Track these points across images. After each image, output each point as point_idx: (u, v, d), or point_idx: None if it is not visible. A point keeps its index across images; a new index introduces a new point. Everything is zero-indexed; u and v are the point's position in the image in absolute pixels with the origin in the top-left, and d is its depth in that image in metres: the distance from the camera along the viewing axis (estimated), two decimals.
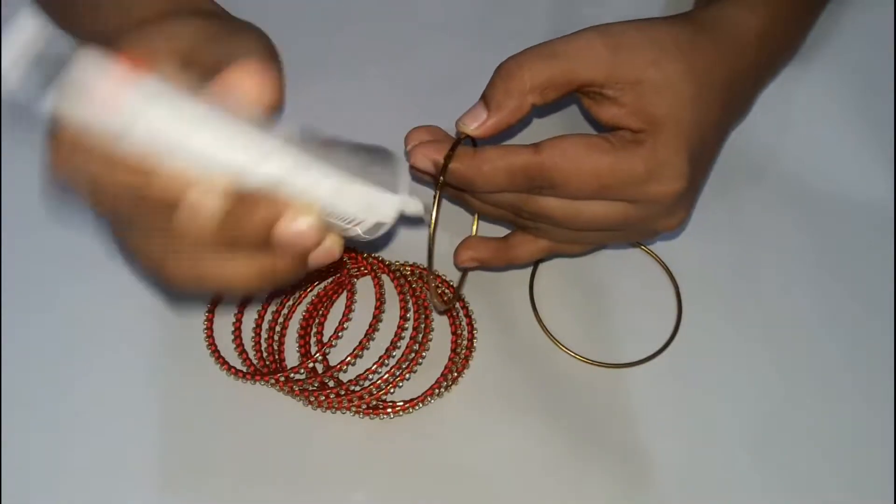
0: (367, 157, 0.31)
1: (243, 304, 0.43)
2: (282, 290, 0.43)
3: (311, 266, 0.31)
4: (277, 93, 0.28)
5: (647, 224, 0.38)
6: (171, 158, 0.26)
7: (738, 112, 0.42)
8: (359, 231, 0.32)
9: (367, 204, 0.31)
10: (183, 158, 0.26)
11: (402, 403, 0.40)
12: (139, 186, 0.27)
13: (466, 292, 0.43)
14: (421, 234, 0.44)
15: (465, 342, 0.42)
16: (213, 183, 0.27)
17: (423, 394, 0.40)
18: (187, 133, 0.26)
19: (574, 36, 0.37)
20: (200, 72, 0.29)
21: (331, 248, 0.31)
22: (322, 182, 0.28)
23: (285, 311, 0.43)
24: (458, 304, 0.43)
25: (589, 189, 0.36)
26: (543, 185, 0.36)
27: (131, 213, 0.28)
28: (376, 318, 0.41)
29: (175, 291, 0.29)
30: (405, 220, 0.33)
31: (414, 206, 0.33)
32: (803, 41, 0.47)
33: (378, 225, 0.32)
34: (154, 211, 0.27)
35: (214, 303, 0.42)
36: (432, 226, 0.36)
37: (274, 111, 0.28)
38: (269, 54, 0.33)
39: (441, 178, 0.36)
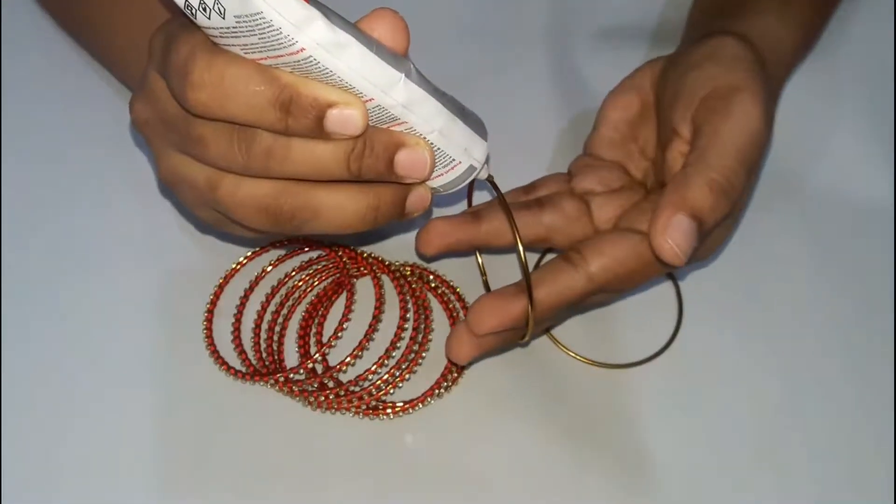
0: (459, 105, 0.33)
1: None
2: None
3: (406, 211, 0.34)
4: (405, 40, 0.30)
5: None
6: (317, 73, 0.28)
7: None
8: (447, 181, 0.34)
9: (466, 145, 0.33)
10: (328, 75, 0.28)
11: (401, 404, 0.40)
12: (288, 95, 0.29)
13: (466, 293, 0.43)
14: None
15: None
16: (356, 97, 0.29)
17: (423, 394, 0.40)
18: (338, 52, 0.28)
19: None
20: None
21: (425, 195, 0.34)
22: (436, 117, 0.31)
23: (285, 311, 0.43)
24: (458, 305, 0.43)
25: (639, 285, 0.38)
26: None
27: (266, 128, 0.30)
28: (376, 319, 0.41)
29: (284, 226, 0.32)
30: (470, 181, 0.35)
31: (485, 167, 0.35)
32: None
33: (468, 171, 0.34)
34: (290, 126, 0.29)
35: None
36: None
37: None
38: None
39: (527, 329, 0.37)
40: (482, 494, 0.38)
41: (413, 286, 0.43)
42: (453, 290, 0.43)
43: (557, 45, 0.51)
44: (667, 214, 0.35)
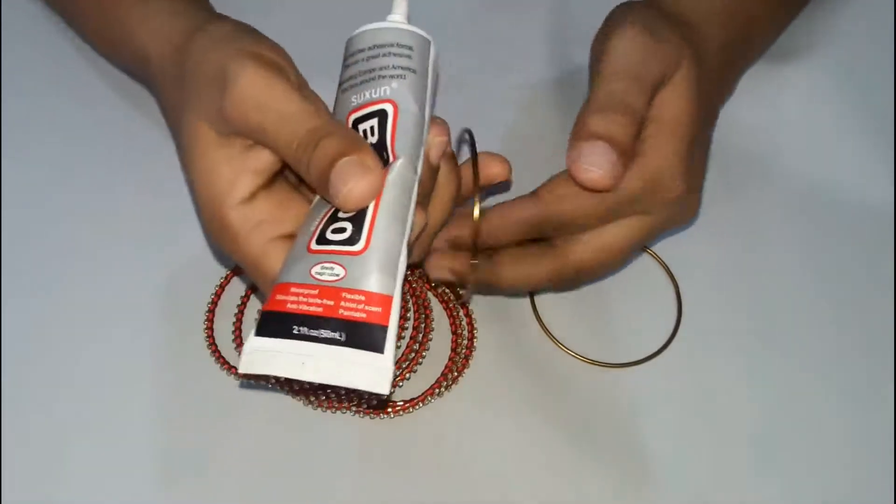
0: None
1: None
2: None
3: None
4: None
5: (672, 222, 0.39)
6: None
7: (724, 90, 0.43)
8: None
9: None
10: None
11: (402, 403, 0.40)
12: None
13: None
14: None
15: (465, 342, 0.42)
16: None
17: (423, 394, 0.40)
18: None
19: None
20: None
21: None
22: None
23: None
24: (458, 304, 0.43)
25: (596, 218, 0.37)
26: (552, 228, 0.38)
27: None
28: None
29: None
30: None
31: None
32: (782, 20, 0.48)
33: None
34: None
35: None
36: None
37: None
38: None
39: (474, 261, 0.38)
40: (482, 493, 0.38)
41: (413, 286, 0.43)
42: (454, 289, 0.43)
43: (558, 44, 0.52)
44: (575, 148, 0.36)
